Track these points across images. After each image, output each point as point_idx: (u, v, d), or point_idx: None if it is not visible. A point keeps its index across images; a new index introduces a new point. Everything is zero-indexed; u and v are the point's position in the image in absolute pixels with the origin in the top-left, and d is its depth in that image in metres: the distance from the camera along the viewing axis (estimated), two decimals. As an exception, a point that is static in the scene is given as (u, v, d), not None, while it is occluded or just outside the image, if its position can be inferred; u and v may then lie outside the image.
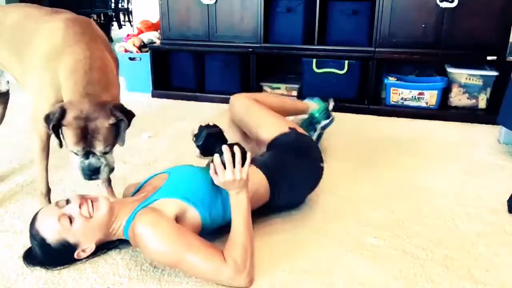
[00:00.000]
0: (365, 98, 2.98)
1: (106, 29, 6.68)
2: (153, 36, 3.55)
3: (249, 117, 1.76)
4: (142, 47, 3.54)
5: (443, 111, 2.82)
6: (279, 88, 3.20)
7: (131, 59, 3.52)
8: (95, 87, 1.30)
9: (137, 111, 3.02)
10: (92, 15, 6.89)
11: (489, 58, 2.65)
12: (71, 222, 1.25)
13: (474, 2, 2.63)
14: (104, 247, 1.38)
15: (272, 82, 3.24)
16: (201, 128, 1.34)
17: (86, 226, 1.26)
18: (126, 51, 3.54)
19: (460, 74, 2.78)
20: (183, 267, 1.22)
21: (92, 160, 1.31)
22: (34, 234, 1.27)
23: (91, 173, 1.33)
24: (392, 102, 2.90)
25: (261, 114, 1.75)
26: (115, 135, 1.31)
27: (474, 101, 2.81)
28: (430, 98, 2.81)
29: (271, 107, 1.79)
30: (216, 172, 1.26)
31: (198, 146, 1.32)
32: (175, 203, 1.30)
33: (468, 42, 2.69)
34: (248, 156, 1.27)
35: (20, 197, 1.78)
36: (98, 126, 1.26)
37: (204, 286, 1.23)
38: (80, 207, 1.27)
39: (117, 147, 1.36)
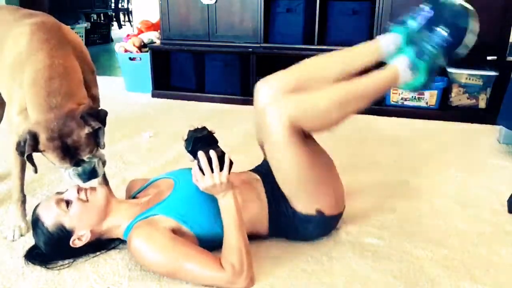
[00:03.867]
0: (365, 98, 2.98)
1: (106, 29, 6.69)
2: (153, 36, 3.55)
3: (283, 167, 1.33)
4: (142, 47, 3.54)
5: (443, 111, 2.82)
6: (279, 88, 3.20)
7: (131, 59, 3.52)
8: (57, 97, 1.24)
9: (137, 111, 3.01)
10: (92, 15, 6.91)
11: (489, 58, 2.65)
12: (69, 206, 1.29)
13: (474, 2, 2.61)
14: (104, 246, 1.39)
15: (272, 82, 3.23)
16: (189, 133, 1.33)
17: (82, 209, 1.29)
18: (126, 51, 3.54)
19: (460, 74, 2.78)
20: (182, 276, 1.22)
21: (84, 165, 1.30)
22: (34, 220, 1.32)
23: (89, 176, 1.33)
24: (392, 102, 2.90)
25: (295, 173, 1.31)
26: (95, 137, 1.29)
27: (474, 101, 2.81)
28: (430, 98, 2.81)
29: (329, 112, 1.30)
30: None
31: (188, 152, 1.31)
32: (173, 222, 1.28)
33: (468, 42, 2.69)
34: (226, 158, 1.25)
35: (20, 197, 1.78)
36: (76, 139, 1.23)
37: (205, 287, 1.23)
38: (78, 192, 1.32)
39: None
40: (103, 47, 6.25)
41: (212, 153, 1.23)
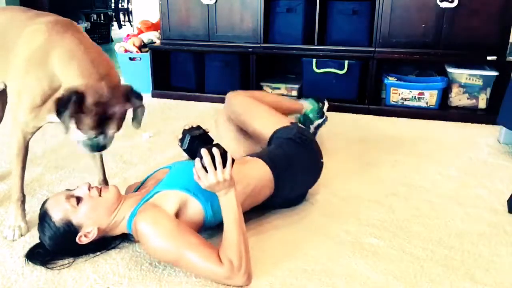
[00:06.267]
0: (365, 98, 2.98)
1: (106, 29, 6.68)
2: (153, 36, 3.55)
3: (249, 113, 1.80)
4: (142, 47, 3.54)
5: (443, 111, 2.82)
6: (279, 88, 3.20)
7: (131, 59, 3.52)
8: (104, 67, 1.25)
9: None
10: (92, 15, 6.90)
11: (489, 58, 2.65)
12: (79, 203, 1.30)
13: (474, 2, 2.63)
14: (105, 246, 1.39)
15: (272, 82, 3.24)
16: (184, 132, 1.33)
17: (92, 207, 1.30)
18: (126, 51, 3.54)
19: (460, 74, 2.78)
20: (182, 264, 1.24)
21: (100, 138, 1.30)
22: (42, 214, 1.32)
23: (99, 149, 1.33)
24: (392, 102, 2.90)
25: (261, 110, 1.80)
26: (132, 116, 1.32)
27: (474, 101, 2.81)
28: (430, 98, 2.81)
29: (268, 105, 1.85)
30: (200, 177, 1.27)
31: (184, 151, 1.32)
32: (176, 194, 1.31)
33: (468, 42, 2.69)
34: (229, 156, 1.26)
35: (20, 197, 1.78)
36: (117, 112, 1.25)
37: (204, 287, 1.23)
38: (89, 189, 1.33)
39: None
40: (103, 47, 6.16)
41: (215, 150, 1.24)
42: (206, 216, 1.34)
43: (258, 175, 1.48)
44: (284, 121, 1.75)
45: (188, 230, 1.25)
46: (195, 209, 1.33)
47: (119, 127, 1.30)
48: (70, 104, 1.18)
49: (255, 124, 1.77)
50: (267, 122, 1.75)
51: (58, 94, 1.26)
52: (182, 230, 1.24)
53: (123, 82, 1.37)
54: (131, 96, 1.27)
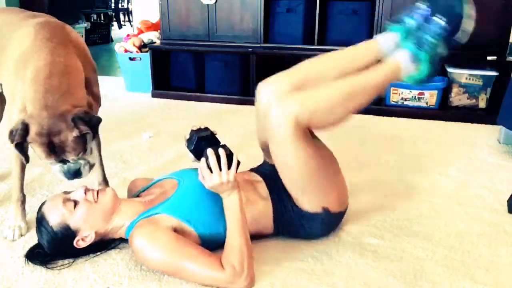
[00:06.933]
0: (365, 98, 2.98)
1: (106, 29, 6.69)
2: (153, 36, 3.55)
3: (286, 166, 1.33)
4: (142, 47, 3.54)
5: (443, 111, 2.82)
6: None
7: (131, 59, 3.52)
8: (54, 95, 1.26)
9: (137, 111, 3.02)
10: (92, 15, 6.91)
11: (489, 58, 2.65)
12: (76, 207, 1.29)
13: (474, 2, 2.61)
14: (105, 246, 1.39)
15: (272, 82, 3.23)
16: (192, 132, 1.34)
17: (88, 211, 1.29)
18: (126, 51, 3.54)
19: (460, 74, 2.78)
20: (183, 275, 1.23)
21: (70, 164, 1.31)
22: (39, 218, 1.31)
23: (73, 176, 1.34)
24: (392, 102, 2.90)
25: (301, 173, 1.31)
26: (84, 141, 1.31)
27: (474, 101, 2.81)
28: (430, 98, 2.81)
29: (334, 107, 1.30)
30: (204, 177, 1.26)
31: (191, 151, 1.32)
32: (176, 222, 1.29)
33: (468, 42, 2.68)
34: (235, 157, 1.26)
35: (20, 197, 1.78)
36: (62, 140, 1.25)
37: (205, 287, 1.23)
38: (85, 193, 1.32)
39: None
40: (103, 47, 6.25)
41: (221, 151, 1.24)
42: (202, 242, 1.32)
43: (260, 220, 1.39)
44: (317, 206, 1.36)
45: (186, 241, 1.24)
46: (191, 236, 1.31)
47: (77, 152, 1.29)
48: (16, 135, 1.24)
49: (286, 181, 1.36)
50: (298, 195, 1.36)
51: None
52: (179, 242, 1.23)
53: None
54: (78, 122, 1.26)
